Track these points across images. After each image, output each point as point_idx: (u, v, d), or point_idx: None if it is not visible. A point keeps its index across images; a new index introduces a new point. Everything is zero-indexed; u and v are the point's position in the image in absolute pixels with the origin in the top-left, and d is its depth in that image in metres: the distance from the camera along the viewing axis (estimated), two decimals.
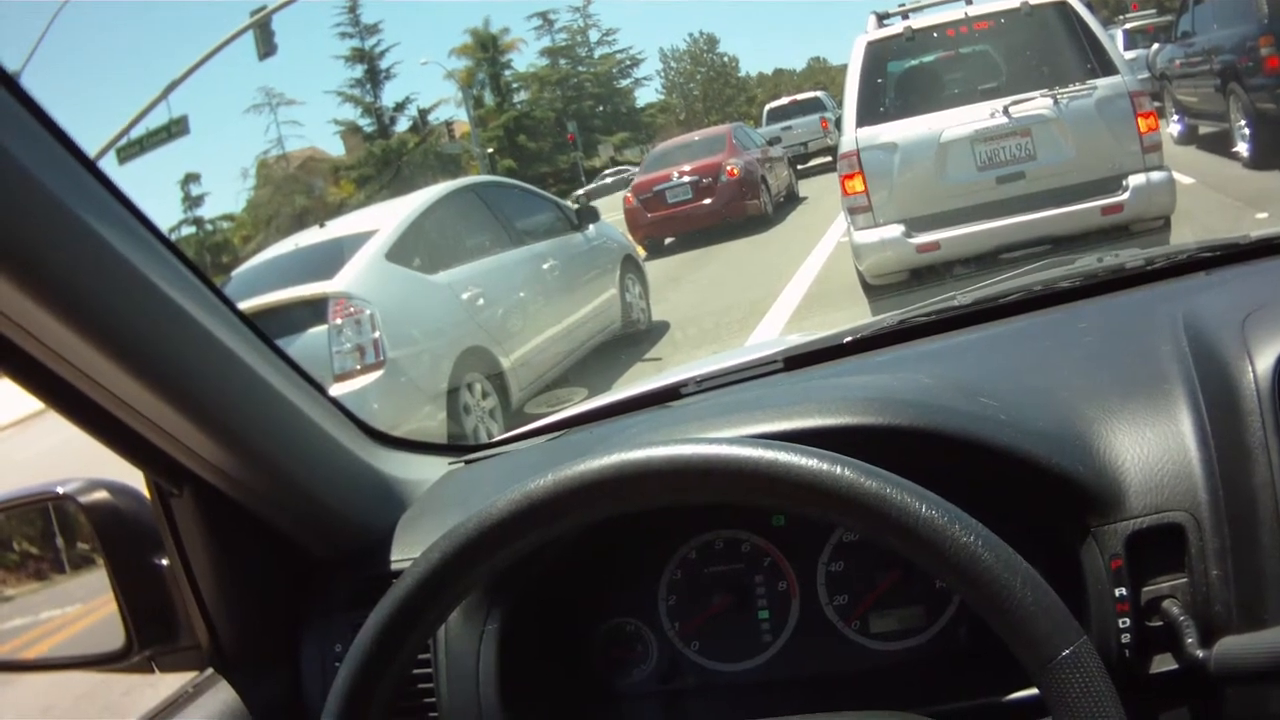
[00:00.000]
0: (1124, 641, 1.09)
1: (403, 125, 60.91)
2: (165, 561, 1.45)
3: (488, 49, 64.54)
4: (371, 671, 0.99)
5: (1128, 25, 21.59)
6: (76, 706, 5.28)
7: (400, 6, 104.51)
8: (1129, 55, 13.12)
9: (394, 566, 1.48)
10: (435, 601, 1.01)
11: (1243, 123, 11.12)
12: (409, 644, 1.00)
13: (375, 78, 60.11)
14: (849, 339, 1.73)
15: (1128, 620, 1.09)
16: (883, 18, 8.22)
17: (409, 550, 1.48)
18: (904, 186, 7.29)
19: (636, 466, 0.95)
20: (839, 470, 0.89)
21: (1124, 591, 1.09)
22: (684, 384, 1.78)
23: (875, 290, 7.78)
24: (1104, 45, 7.26)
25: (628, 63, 72.02)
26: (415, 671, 1.35)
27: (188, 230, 54.81)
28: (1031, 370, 1.39)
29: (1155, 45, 15.30)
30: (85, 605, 1.58)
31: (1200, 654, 1.01)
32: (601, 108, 69.48)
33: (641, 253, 12.54)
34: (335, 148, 64.65)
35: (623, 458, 0.96)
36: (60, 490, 1.46)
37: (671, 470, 0.94)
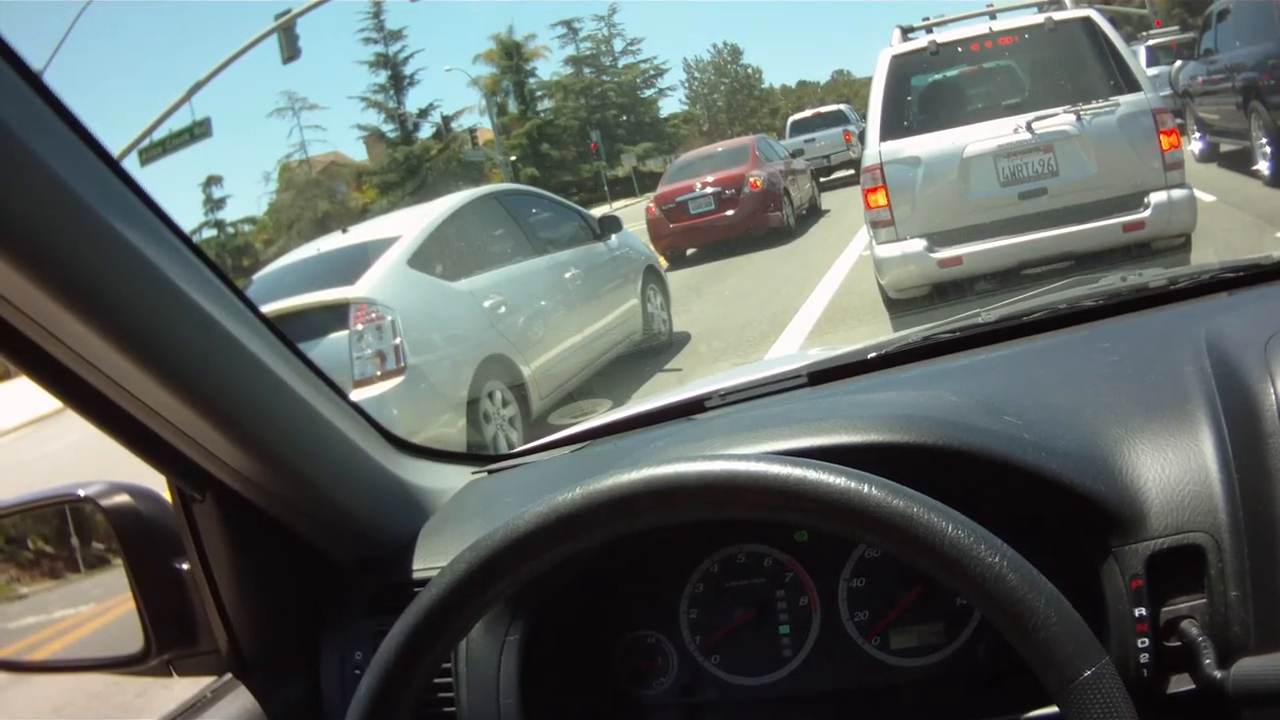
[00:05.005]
0: (1142, 661, 1.08)
1: (426, 132, 61.24)
2: (185, 566, 1.46)
3: (512, 56, 64.65)
4: (394, 680, 0.99)
5: (1151, 42, 21.59)
6: (89, 706, 5.29)
7: (425, 12, 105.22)
8: (1152, 72, 13.09)
9: (416, 575, 1.49)
10: (460, 612, 1.01)
11: (1264, 140, 11.08)
12: (433, 654, 1.01)
13: (399, 83, 60.26)
14: (873, 354, 1.73)
15: (1147, 640, 1.08)
16: (907, 31, 8.24)
17: (431, 559, 1.49)
18: (927, 201, 7.29)
19: (666, 482, 0.95)
20: (866, 489, 0.89)
21: (1143, 611, 1.09)
22: (708, 397, 1.78)
23: (896, 305, 7.80)
24: (1127, 61, 7.25)
25: (651, 73, 71.96)
26: (436, 680, 1.35)
27: (209, 233, 55.13)
28: (1055, 389, 1.38)
29: (1178, 62, 15.23)
30: (99, 605, 1.58)
31: (1218, 674, 1.01)
32: (625, 117, 69.40)
33: (663, 263, 12.54)
34: (358, 153, 64.99)
35: (652, 473, 0.96)
36: (81, 493, 1.47)
37: (701, 486, 0.94)
